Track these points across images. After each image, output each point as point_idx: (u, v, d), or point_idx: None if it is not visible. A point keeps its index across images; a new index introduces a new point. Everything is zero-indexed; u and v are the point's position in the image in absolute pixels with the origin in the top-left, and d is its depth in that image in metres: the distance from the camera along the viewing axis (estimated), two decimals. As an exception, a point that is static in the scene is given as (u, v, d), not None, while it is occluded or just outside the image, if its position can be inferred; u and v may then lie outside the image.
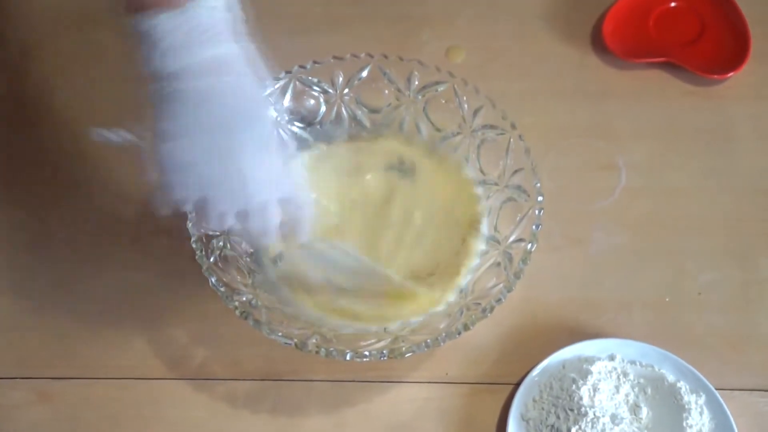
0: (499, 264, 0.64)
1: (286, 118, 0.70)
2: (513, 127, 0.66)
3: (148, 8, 0.49)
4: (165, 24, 0.49)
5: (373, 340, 0.61)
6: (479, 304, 0.61)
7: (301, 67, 0.69)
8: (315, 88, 0.70)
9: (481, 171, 0.69)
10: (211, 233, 0.62)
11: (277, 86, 0.68)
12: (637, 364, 0.64)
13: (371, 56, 0.69)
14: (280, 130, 0.66)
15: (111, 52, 0.77)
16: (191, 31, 0.49)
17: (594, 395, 0.61)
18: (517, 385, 0.64)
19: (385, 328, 0.63)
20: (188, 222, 0.60)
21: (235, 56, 0.51)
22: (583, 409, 0.60)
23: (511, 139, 0.66)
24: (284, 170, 0.54)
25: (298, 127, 0.71)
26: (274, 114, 0.56)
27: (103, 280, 0.70)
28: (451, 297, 0.64)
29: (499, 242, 0.65)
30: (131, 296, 0.69)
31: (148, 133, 0.50)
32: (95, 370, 0.66)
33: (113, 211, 0.72)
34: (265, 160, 0.52)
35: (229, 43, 0.51)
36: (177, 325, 0.68)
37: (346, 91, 0.71)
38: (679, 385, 0.62)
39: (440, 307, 0.63)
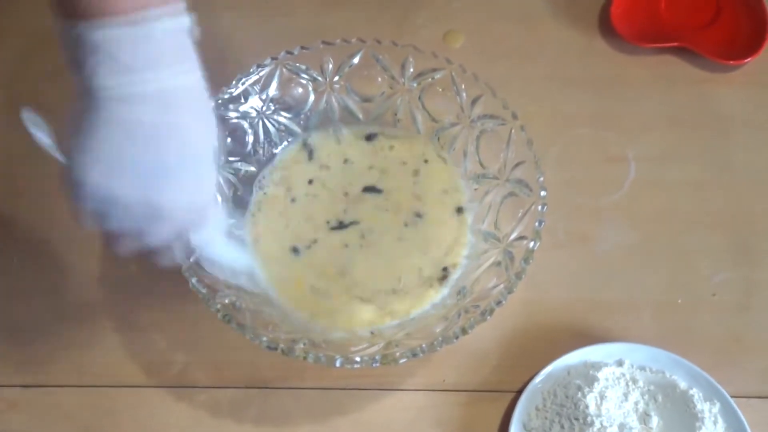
0: (499, 263, 0.62)
1: (272, 108, 0.69)
2: (514, 117, 0.65)
3: (100, 16, 0.44)
4: (125, 39, 0.44)
5: (364, 345, 0.60)
6: (478, 306, 0.59)
7: (288, 52, 0.68)
8: (303, 75, 0.69)
9: (481, 164, 0.68)
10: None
11: (262, 73, 0.68)
12: (647, 369, 0.63)
13: (363, 41, 0.68)
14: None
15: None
16: (153, 53, 0.45)
17: (601, 403, 0.60)
18: (519, 392, 0.63)
19: (371, 332, 0.62)
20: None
21: (193, 90, 0.48)
22: (589, 418, 0.59)
23: (513, 130, 0.65)
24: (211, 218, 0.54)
25: (284, 117, 0.70)
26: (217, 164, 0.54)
27: (75, 280, 0.69)
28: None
29: (499, 240, 0.64)
30: (105, 297, 0.68)
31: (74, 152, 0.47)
32: (68, 377, 0.65)
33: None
34: (193, 208, 0.51)
35: (189, 74, 0.48)
36: (155, 329, 0.67)
37: (336, 78, 0.70)
38: (691, 392, 0.61)
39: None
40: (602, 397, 0.60)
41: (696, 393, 0.60)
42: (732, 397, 0.61)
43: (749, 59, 0.76)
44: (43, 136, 0.47)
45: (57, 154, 0.47)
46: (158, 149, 0.46)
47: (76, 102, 0.46)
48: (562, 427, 0.60)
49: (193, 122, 0.48)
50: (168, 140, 0.47)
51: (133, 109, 0.45)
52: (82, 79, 0.45)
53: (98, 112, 0.45)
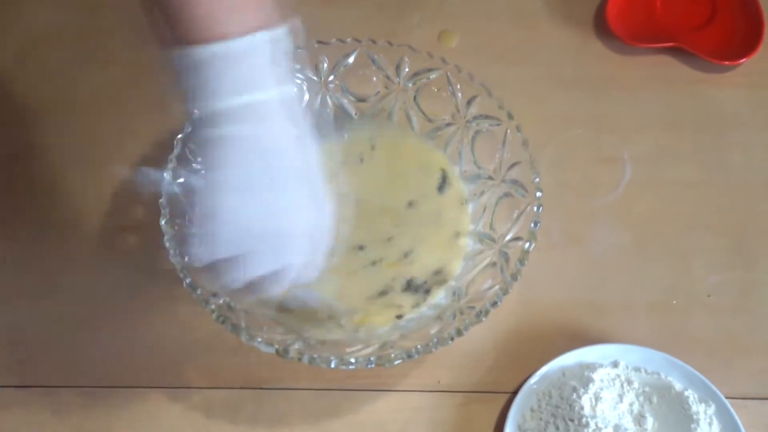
0: (494, 264, 0.62)
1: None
2: (510, 117, 0.65)
3: (201, 40, 0.45)
4: (225, 55, 0.45)
5: (359, 347, 0.60)
6: (473, 307, 0.59)
7: (283, 52, 0.67)
8: (298, 75, 0.69)
9: (476, 164, 0.68)
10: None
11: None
12: (642, 371, 0.63)
13: (358, 41, 0.68)
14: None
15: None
16: (253, 66, 0.46)
17: (596, 404, 0.60)
18: (514, 393, 0.63)
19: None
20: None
21: (290, 98, 0.49)
22: (584, 419, 0.59)
23: (508, 131, 0.65)
24: (322, 226, 0.52)
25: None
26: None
27: (68, 281, 0.69)
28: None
29: (494, 241, 0.64)
30: (98, 298, 0.68)
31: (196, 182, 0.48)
32: (59, 377, 0.65)
33: (78, 208, 0.71)
34: (308, 218, 0.50)
35: (283, 85, 0.48)
36: (148, 330, 0.66)
37: (332, 78, 0.69)
38: (686, 393, 0.61)
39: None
40: (597, 398, 0.60)
41: (691, 394, 0.60)
42: (727, 398, 0.61)
43: (745, 59, 0.76)
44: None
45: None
46: (264, 161, 0.47)
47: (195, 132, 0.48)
48: (557, 428, 0.59)
49: (289, 132, 0.49)
50: (271, 149, 0.47)
51: (235, 124, 0.46)
52: (197, 104, 0.46)
53: (204, 132, 0.47)
